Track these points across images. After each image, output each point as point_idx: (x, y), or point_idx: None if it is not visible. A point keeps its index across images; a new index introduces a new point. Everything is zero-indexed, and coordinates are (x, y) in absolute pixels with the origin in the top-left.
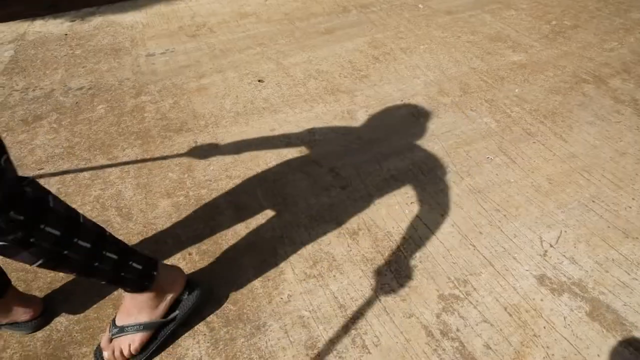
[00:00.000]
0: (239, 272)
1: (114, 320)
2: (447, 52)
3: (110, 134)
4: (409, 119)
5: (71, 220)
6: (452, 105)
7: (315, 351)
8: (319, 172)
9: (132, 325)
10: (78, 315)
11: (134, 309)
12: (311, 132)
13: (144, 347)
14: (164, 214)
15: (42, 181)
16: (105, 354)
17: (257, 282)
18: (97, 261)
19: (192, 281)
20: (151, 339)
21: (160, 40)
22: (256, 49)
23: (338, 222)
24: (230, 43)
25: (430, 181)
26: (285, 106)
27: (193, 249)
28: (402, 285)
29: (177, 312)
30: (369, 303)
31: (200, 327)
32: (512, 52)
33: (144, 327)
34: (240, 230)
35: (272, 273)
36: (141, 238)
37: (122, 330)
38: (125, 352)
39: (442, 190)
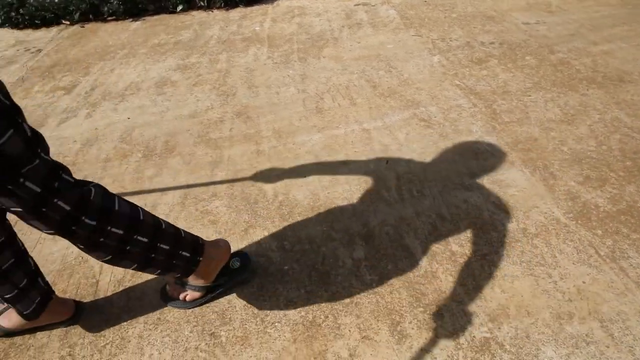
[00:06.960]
0: None
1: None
2: None
3: (560, 78)
4: None
5: (133, 220)
6: None
7: None
8: None
9: (190, 285)
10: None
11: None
12: None
13: (194, 300)
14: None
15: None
16: (179, 295)
17: None
18: (154, 252)
19: (239, 251)
20: (201, 297)
21: (521, 13)
22: (623, 27)
23: None
24: (592, 21)
25: None
26: None
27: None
28: None
29: (222, 279)
30: None
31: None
32: None
33: (197, 289)
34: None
35: None
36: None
37: (184, 285)
38: (181, 298)
39: None
